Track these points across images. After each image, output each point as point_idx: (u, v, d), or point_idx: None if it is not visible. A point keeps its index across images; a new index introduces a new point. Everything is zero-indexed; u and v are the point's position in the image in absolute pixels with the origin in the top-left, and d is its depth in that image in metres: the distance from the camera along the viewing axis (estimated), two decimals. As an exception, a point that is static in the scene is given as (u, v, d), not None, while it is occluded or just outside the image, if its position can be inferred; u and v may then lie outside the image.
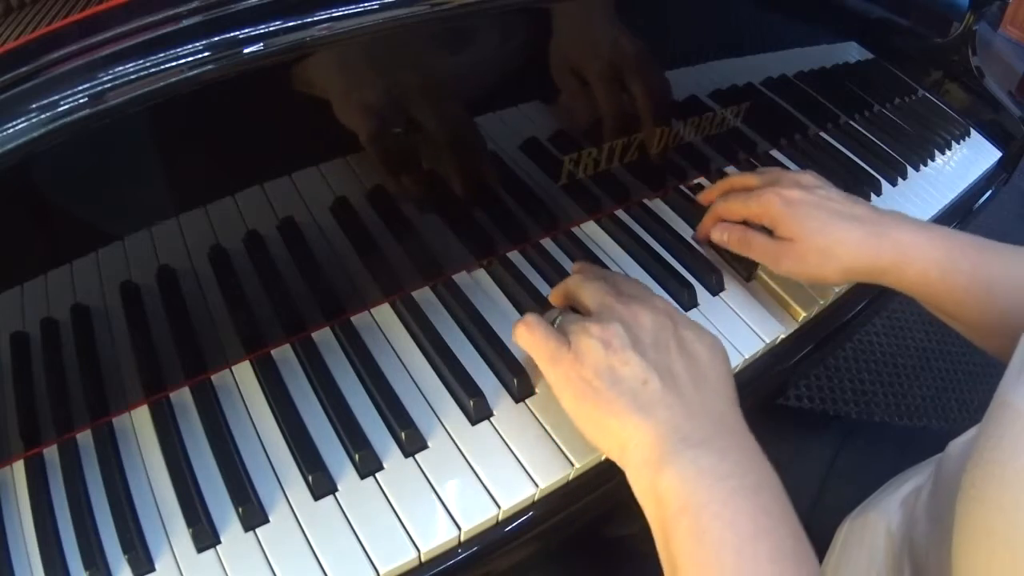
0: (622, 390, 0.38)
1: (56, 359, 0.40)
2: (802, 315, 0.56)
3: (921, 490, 0.47)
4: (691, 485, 0.35)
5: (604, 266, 0.57)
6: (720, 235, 0.55)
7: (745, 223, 0.55)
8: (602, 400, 0.39)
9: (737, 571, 0.33)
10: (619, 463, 0.39)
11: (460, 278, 0.54)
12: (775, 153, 0.72)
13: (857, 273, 0.50)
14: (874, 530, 0.48)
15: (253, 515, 0.40)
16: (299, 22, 0.35)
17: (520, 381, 0.46)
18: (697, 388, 0.40)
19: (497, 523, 0.42)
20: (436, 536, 0.40)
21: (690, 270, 0.57)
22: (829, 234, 0.49)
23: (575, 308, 0.48)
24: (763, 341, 0.53)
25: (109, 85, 0.32)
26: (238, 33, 0.34)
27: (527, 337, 0.43)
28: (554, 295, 0.50)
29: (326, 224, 0.45)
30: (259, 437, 0.44)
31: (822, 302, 0.57)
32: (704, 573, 0.34)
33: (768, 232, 0.53)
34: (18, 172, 0.32)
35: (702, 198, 0.61)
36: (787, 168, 0.70)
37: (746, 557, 0.33)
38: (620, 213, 0.61)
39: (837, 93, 0.75)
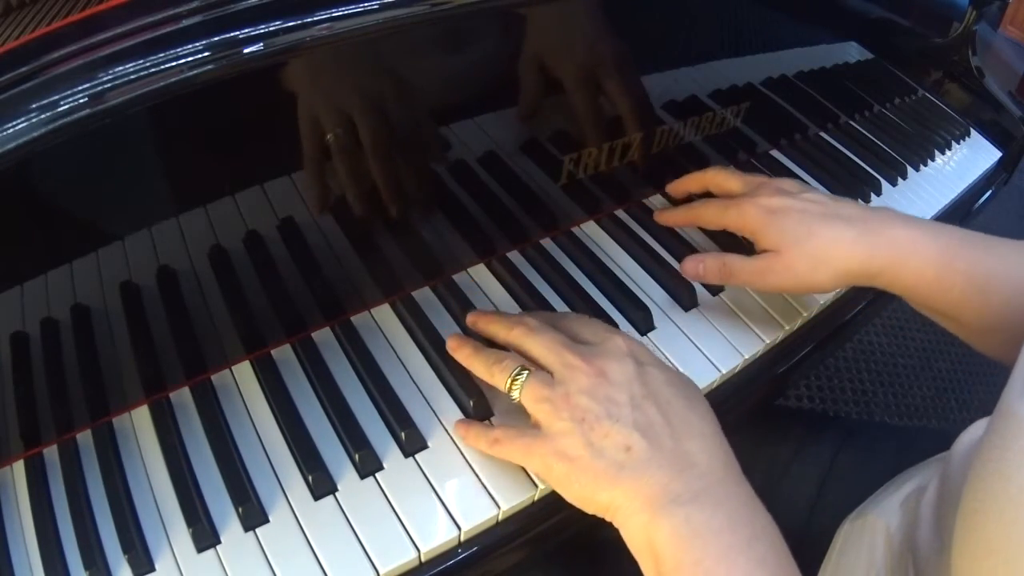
0: (607, 462, 0.37)
1: (56, 359, 0.40)
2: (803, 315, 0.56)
3: (923, 491, 0.47)
4: (686, 543, 0.35)
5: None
6: (695, 268, 0.51)
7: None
8: (587, 475, 0.38)
9: None
10: (613, 523, 0.38)
11: (460, 278, 0.54)
12: (775, 153, 0.72)
13: (851, 276, 0.48)
14: (873, 531, 0.48)
15: (253, 515, 0.40)
16: (299, 22, 0.35)
17: (520, 381, 0.46)
18: (680, 437, 0.38)
19: (497, 523, 0.42)
20: (436, 536, 0.40)
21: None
22: (818, 237, 0.47)
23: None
24: (763, 341, 0.53)
25: (109, 85, 0.32)
26: (238, 33, 0.34)
27: (498, 448, 0.41)
28: (491, 330, 0.46)
29: (326, 224, 0.45)
30: (259, 437, 0.44)
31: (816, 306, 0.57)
32: None
33: (745, 245, 0.51)
34: (18, 172, 0.32)
35: (672, 189, 0.60)
36: (784, 166, 0.70)
37: None
38: (620, 213, 0.61)
39: (837, 93, 0.75)
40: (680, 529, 0.35)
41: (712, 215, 0.54)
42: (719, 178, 0.56)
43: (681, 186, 0.59)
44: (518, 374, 0.41)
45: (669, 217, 0.59)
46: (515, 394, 0.41)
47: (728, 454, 0.39)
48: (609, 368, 0.40)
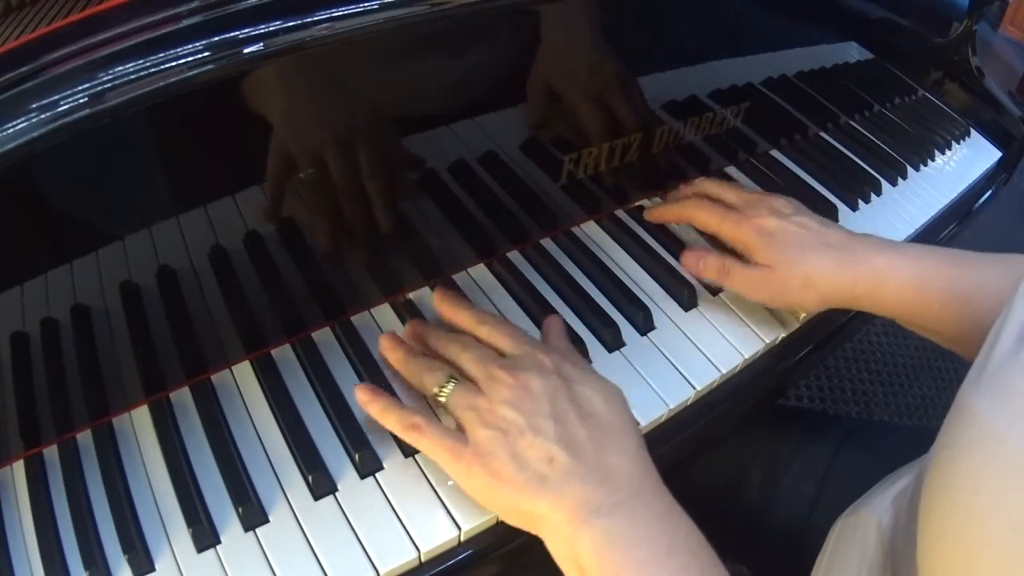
0: (529, 474, 0.38)
1: (56, 359, 0.40)
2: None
3: (909, 488, 0.47)
4: (606, 554, 0.36)
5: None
6: (696, 264, 0.53)
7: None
8: (510, 487, 0.38)
9: None
10: (537, 534, 0.39)
11: (460, 278, 0.54)
12: (775, 153, 0.72)
13: (835, 300, 0.50)
14: (865, 527, 0.48)
15: (253, 515, 0.40)
16: (299, 22, 0.35)
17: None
18: (602, 451, 0.39)
19: (497, 523, 0.42)
20: (436, 536, 0.40)
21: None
22: (807, 263, 0.49)
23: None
24: (763, 341, 0.53)
25: (109, 85, 0.32)
26: (238, 33, 0.34)
27: (421, 442, 0.41)
28: (428, 337, 0.47)
29: (326, 225, 0.45)
30: (259, 437, 0.44)
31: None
32: None
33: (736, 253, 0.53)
34: (18, 172, 0.32)
35: (650, 216, 0.60)
36: (784, 166, 0.70)
37: None
38: (620, 213, 0.61)
39: (837, 93, 0.75)
40: (599, 540, 0.36)
41: (706, 219, 0.55)
42: (709, 187, 0.58)
43: (659, 215, 0.60)
44: (446, 383, 0.42)
45: (661, 213, 0.60)
46: (441, 399, 0.42)
47: (647, 466, 0.40)
48: (532, 382, 0.41)
